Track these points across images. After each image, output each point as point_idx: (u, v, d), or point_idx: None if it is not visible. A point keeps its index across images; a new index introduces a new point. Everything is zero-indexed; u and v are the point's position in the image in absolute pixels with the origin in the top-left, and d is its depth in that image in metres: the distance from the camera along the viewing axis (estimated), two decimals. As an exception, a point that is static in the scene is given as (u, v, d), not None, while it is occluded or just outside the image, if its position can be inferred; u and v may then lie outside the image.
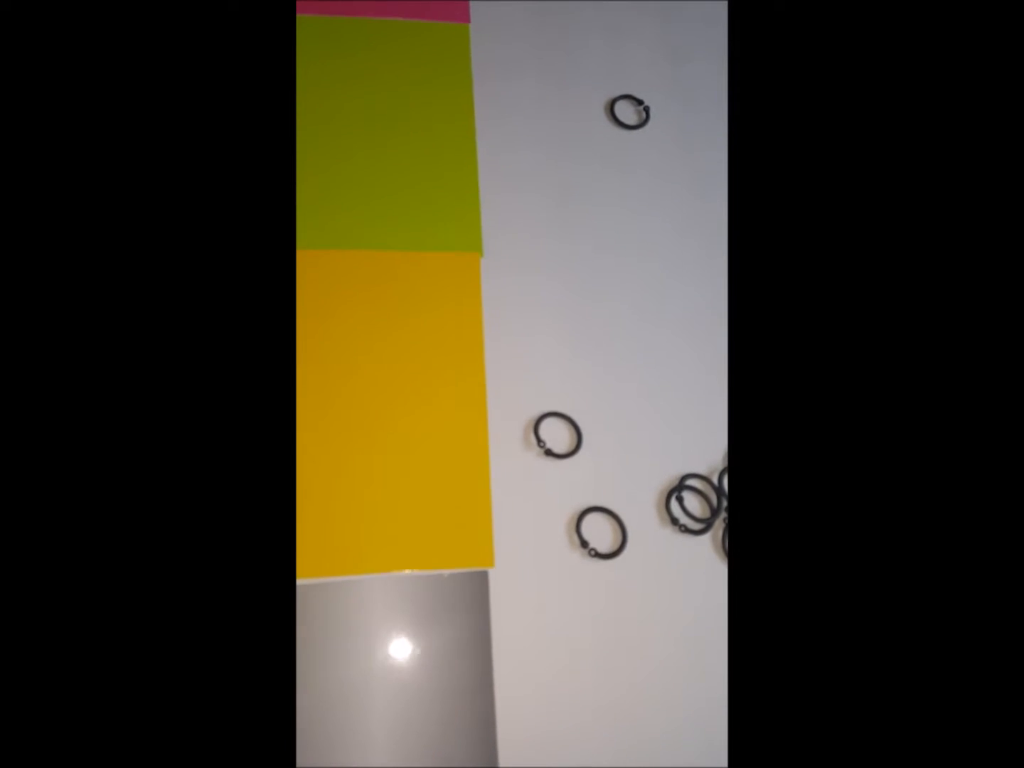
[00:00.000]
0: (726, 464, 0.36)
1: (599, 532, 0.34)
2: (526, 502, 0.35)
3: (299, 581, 0.32)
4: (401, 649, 0.32)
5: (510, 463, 0.35)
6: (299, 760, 0.30)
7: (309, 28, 0.45)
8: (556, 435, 0.36)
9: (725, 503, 0.35)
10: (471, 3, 0.46)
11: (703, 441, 0.36)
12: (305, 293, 0.38)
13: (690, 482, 0.36)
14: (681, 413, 0.37)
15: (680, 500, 0.35)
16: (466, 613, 0.33)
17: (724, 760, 0.31)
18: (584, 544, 0.34)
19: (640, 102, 0.44)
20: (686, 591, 0.34)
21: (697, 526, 0.35)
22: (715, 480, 0.36)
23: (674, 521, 0.35)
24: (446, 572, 0.33)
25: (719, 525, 0.35)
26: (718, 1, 0.48)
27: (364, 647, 0.32)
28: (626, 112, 0.44)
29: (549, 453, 0.36)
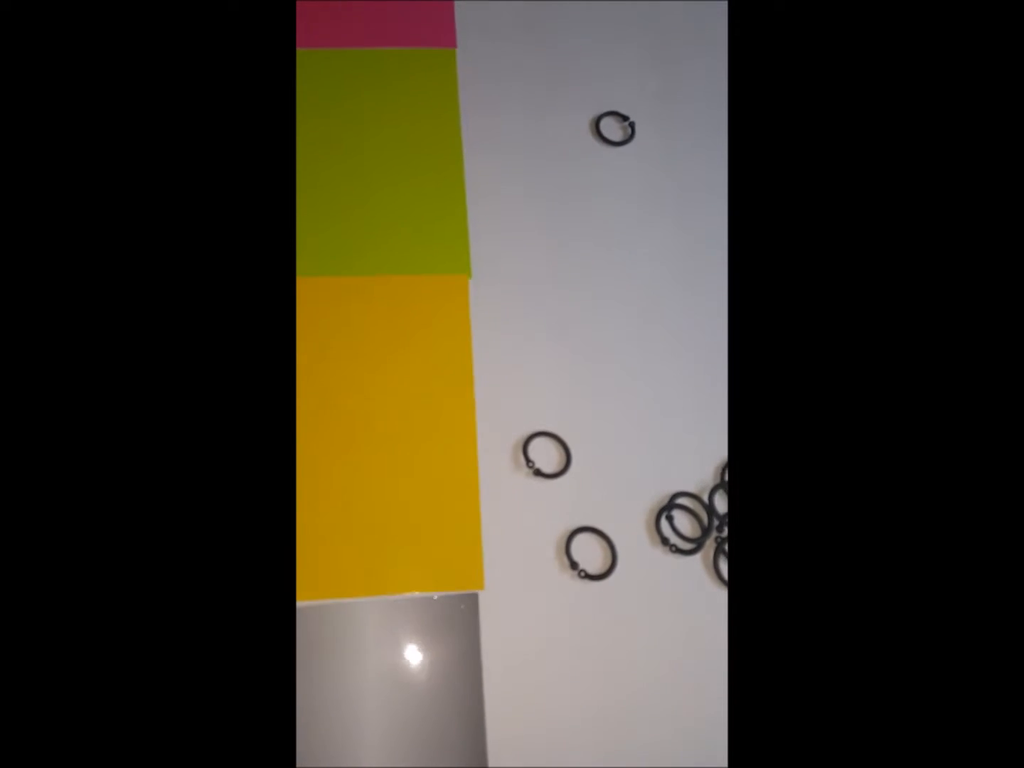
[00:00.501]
0: (717, 482, 0.36)
1: (589, 553, 0.34)
2: (516, 523, 0.35)
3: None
4: (393, 669, 0.32)
5: (499, 483, 0.35)
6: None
7: (298, 61, 0.45)
8: (545, 455, 0.36)
9: (716, 522, 0.35)
10: (457, 27, 0.47)
11: (693, 459, 0.36)
12: (298, 319, 0.38)
13: (680, 500, 0.35)
14: (670, 432, 0.37)
15: (670, 519, 0.35)
16: (456, 634, 0.33)
17: (719, 783, 0.31)
18: (574, 565, 0.34)
19: (625, 118, 0.44)
20: (677, 611, 0.33)
21: (688, 546, 0.35)
22: (705, 498, 0.35)
23: (664, 541, 0.34)
24: (436, 595, 0.33)
25: (710, 545, 0.35)
26: (703, 16, 0.48)
27: (357, 667, 0.32)
28: (611, 129, 0.44)
29: (538, 473, 0.36)
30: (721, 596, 0.34)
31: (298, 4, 0.47)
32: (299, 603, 0.33)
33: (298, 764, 0.30)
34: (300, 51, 0.46)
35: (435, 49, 0.47)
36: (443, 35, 0.47)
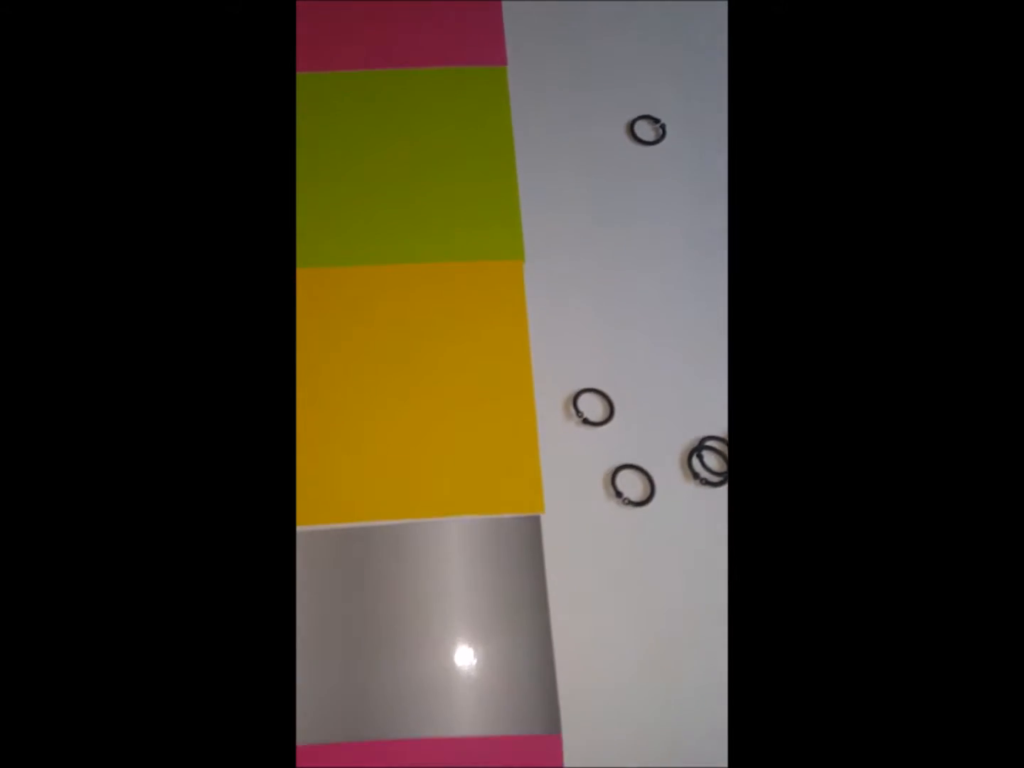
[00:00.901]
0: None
1: (631, 485, 0.41)
2: (568, 462, 0.41)
3: (371, 523, 0.40)
4: (471, 579, 0.39)
5: (555, 431, 0.42)
6: (355, 691, 0.37)
7: (359, 82, 0.53)
8: (592, 407, 0.43)
9: (739, 459, 0.41)
10: (507, 43, 0.54)
11: (718, 407, 0.42)
12: (372, 302, 0.46)
13: (709, 443, 0.42)
14: (698, 384, 0.43)
15: (700, 458, 0.41)
16: (523, 550, 0.39)
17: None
18: (619, 495, 0.40)
19: (656, 120, 0.50)
20: (706, 535, 0.40)
21: (715, 479, 0.41)
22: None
23: (695, 475, 0.41)
24: (506, 516, 0.40)
25: (735, 477, 0.41)
26: (723, 21, 0.54)
27: (438, 579, 0.39)
28: (644, 130, 0.50)
29: (586, 422, 0.42)
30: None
31: (363, 29, 0.55)
32: (379, 522, 0.40)
33: (373, 672, 0.37)
34: (367, 72, 0.53)
35: (488, 68, 0.54)
36: (495, 54, 0.54)
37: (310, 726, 0.36)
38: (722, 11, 0.54)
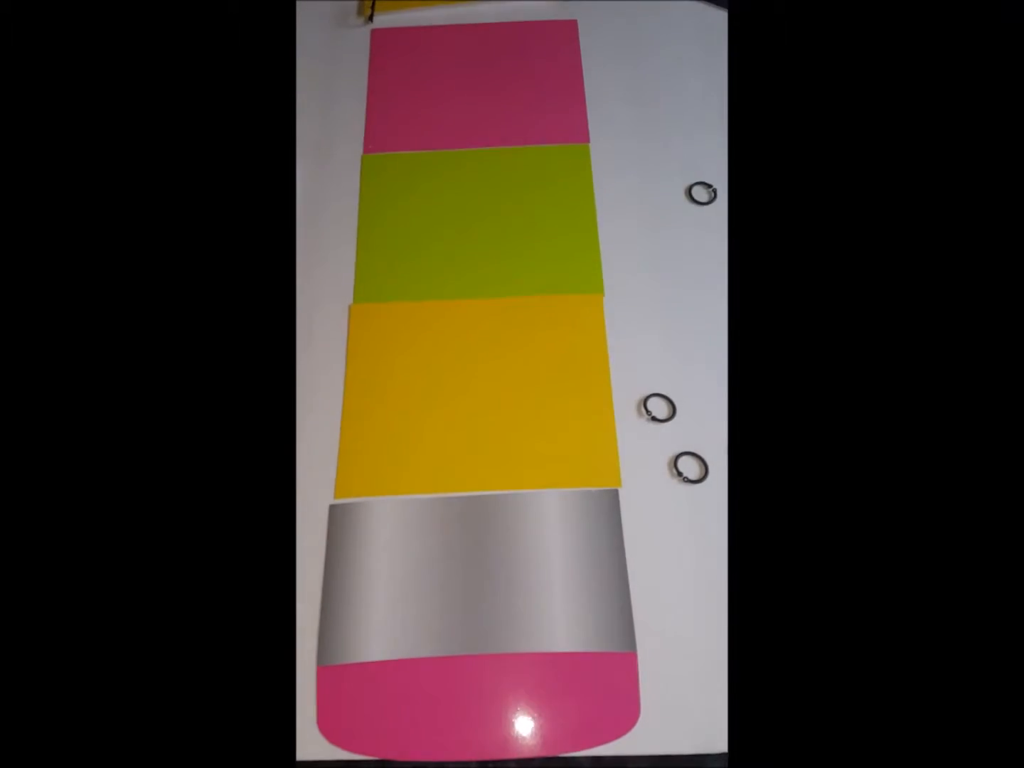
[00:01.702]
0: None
1: (689, 467, 0.52)
2: (639, 449, 0.53)
3: (466, 493, 0.51)
4: (561, 541, 0.50)
5: (629, 426, 0.54)
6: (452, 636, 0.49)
7: (459, 160, 0.64)
8: (658, 408, 0.55)
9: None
10: (589, 124, 0.68)
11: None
12: (471, 332, 0.58)
13: (751, 436, 0.53)
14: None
15: (744, 448, 0.52)
16: (603, 518, 0.51)
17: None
18: (679, 474, 0.52)
19: (709, 185, 0.63)
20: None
21: (757, 464, 0.52)
22: (768, 434, 0.53)
23: (741, 461, 0.52)
24: (593, 490, 0.52)
25: (772, 464, 0.52)
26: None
27: (534, 546, 0.51)
28: (700, 193, 0.63)
29: (654, 419, 0.54)
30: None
31: (450, 107, 0.67)
32: (488, 492, 0.52)
33: (483, 598, 0.49)
34: (466, 151, 0.65)
35: (573, 144, 0.67)
36: (579, 133, 0.68)
37: (436, 642, 0.48)
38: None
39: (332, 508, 0.51)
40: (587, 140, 0.67)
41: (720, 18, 0.72)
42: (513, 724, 0.46)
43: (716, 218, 0.62)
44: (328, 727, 0.46)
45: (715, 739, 0.45)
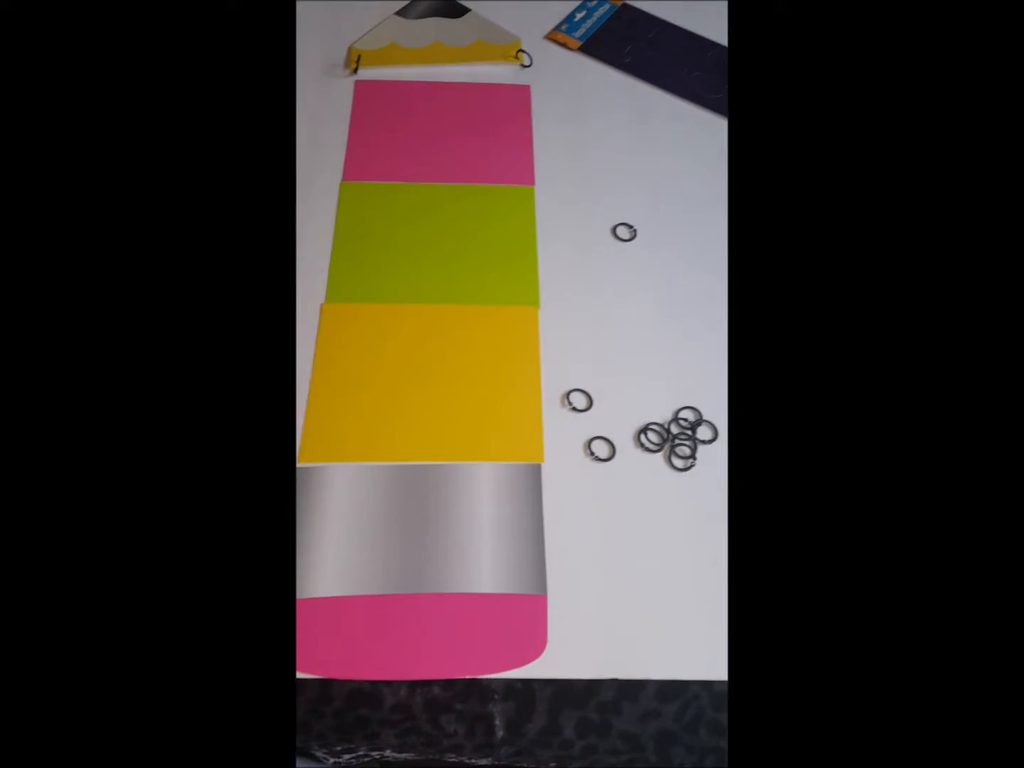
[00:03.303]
0: (674, 415, 0.64)
1: (600, 449, 0.63)
2: (560, 433, 0.64)
3: (413, 463, 0.61)
4: (489, 504, 0.60)
5: (552, 415, 0.65)
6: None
7: (426, 192, 0.74)
8: (579, 400, 0.66)
9: (671, 436, 0.63)
10: (536, 168, 0.80)
11: (660, 402, 0.65)
12: (428, 331, 0.69)
13: (651, 425, 0.64)
14: (645, 389, 0.66)
15: (645, 434, 0.64)
16: (526, 491, 0.61)
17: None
18: (592, 454, 0.62)
19: (631, 226, 0.76)
20: (646, 486, 0.62)
21: (655, 448, 0.63)
22: (665, 424, 0.64)
23: (642, 445, 0.63)
24: (516, 464, 0.62)
25: (667, 448, 0.63)
26: (692, 139, 0.80)
27: (465, 505, 0.60)
28: (623, 231, 0.76)
29: (574, 409, 0.65)
30: (674, 478, 0.62)
31: (420, 148, 0.77)
32: (432, 462, 0.61)
33: (418, 549, 0.58)
34: (432, 184, 0.78)
35: (521, 186, 0.80)
36: (526, 177, 0.80)
37: (380, 583, 0.57)
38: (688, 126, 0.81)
39: (298, 470, 0.60)
40: (532, 183, 0.79)
41: (649, 92, 0.86)
42: (440, 651, 0.54)
43: (635, 252, 0.75)
44: (283, 648, 0.54)
45: (609, 668, 0.54)
